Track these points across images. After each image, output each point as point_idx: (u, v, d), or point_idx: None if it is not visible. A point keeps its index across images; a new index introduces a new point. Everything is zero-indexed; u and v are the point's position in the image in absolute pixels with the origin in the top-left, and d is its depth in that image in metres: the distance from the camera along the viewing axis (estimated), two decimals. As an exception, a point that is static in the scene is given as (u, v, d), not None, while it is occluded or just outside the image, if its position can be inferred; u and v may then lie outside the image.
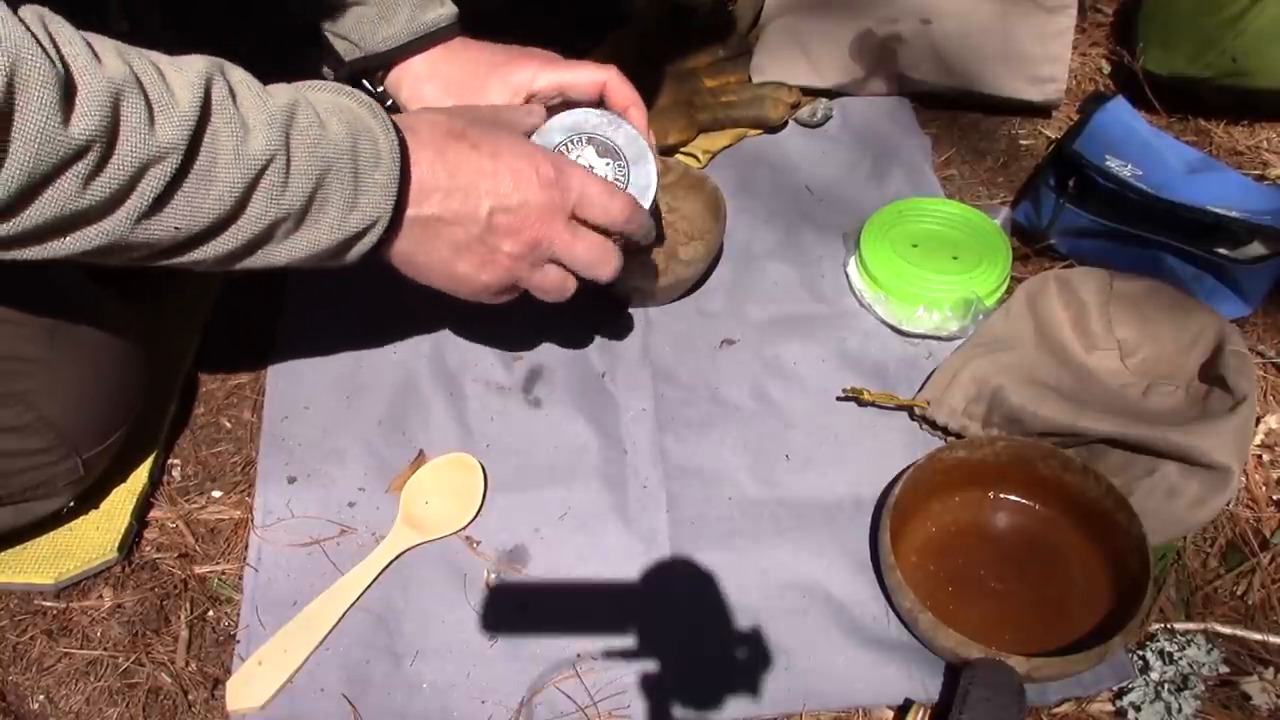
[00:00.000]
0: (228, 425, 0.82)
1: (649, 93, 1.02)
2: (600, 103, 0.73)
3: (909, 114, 1.08)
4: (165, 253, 0.52)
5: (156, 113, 0.47)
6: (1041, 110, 1.09)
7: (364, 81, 0.76)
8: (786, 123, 1.05)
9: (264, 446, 0.78)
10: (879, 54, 1.05)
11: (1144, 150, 0.94)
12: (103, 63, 0.45)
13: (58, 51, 0.44)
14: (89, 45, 0.45)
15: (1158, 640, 0.69)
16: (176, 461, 0.79)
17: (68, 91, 0.44)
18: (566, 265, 0.65)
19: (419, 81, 0.74)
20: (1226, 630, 0.70)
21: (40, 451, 0.64)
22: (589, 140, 0.69)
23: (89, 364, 0.65)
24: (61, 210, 0.46)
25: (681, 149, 1.01)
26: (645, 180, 0.70)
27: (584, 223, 0.65)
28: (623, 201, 0.65)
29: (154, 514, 0.76)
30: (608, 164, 0.69)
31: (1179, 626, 0.70)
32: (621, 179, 0.69)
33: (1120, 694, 0.67)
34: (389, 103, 0.76)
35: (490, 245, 0.62)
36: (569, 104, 0.72)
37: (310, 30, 0.75)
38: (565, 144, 0.69)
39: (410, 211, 0.59)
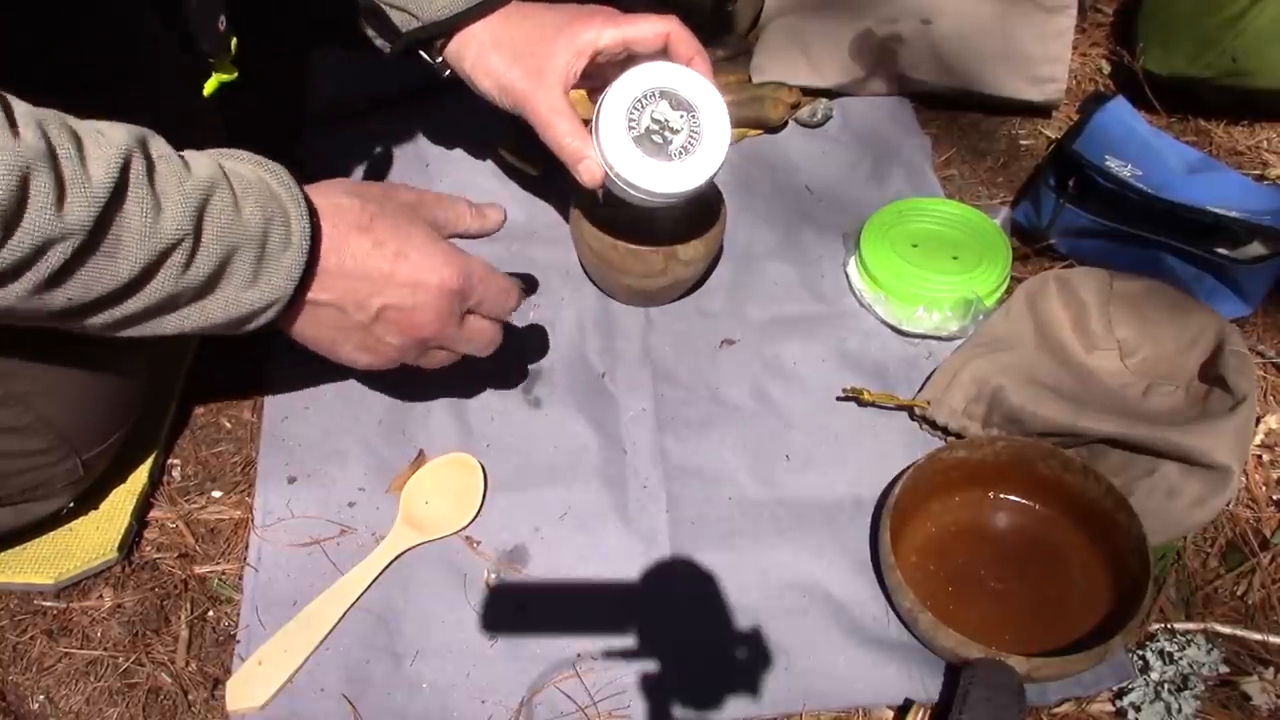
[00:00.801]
0: (228, 425, 0.82)
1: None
2: (664, 54, 0.72)
3: (909, 114, 1.08)
4: (52, 318, 0.51)
5: (67, 190, 0.46)
6: (1041, 110, 1.09)
7: (422, 53, 0.74)
8: (786, 123, 1.05)
9: (264, 446, 0.78)
10: (879, 54, 1.05)
11: (1144, 150, 0.94)
12: (18, 134, 0.45)
13: None
14: (6, 114, 0.45)
15: (1158, 640, 0.69)
16: (176, 461, 0.79)
17: None
18: (452, 352, 0.68)
19: (484, 50, 0.72)
20: (1226, 630, 0.70)
21: (39, 452, 0.64)
22: (661, 94, 0.70)
23: (88, 365, 0.65)
24: None
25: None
26: (720, 128, 0.71)
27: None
28: (515, 297, 0.68)
29: (154, 514, 0.76)
30: (682, 116, 0.70)
31: (1179, 626, 0.70)
32: (696, 130, 0.70)
33: (1120, 694, 0.67)
34: (447, 73, 0.75)
35: (376, 335, 0.63)
36: (633, 59, 0.71)
37: (363, 3, 0.73)
38: (639, 100, 0.69)
39: (307, 295, 0.59)
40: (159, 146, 0.52)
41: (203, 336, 0.84)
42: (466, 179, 0.97)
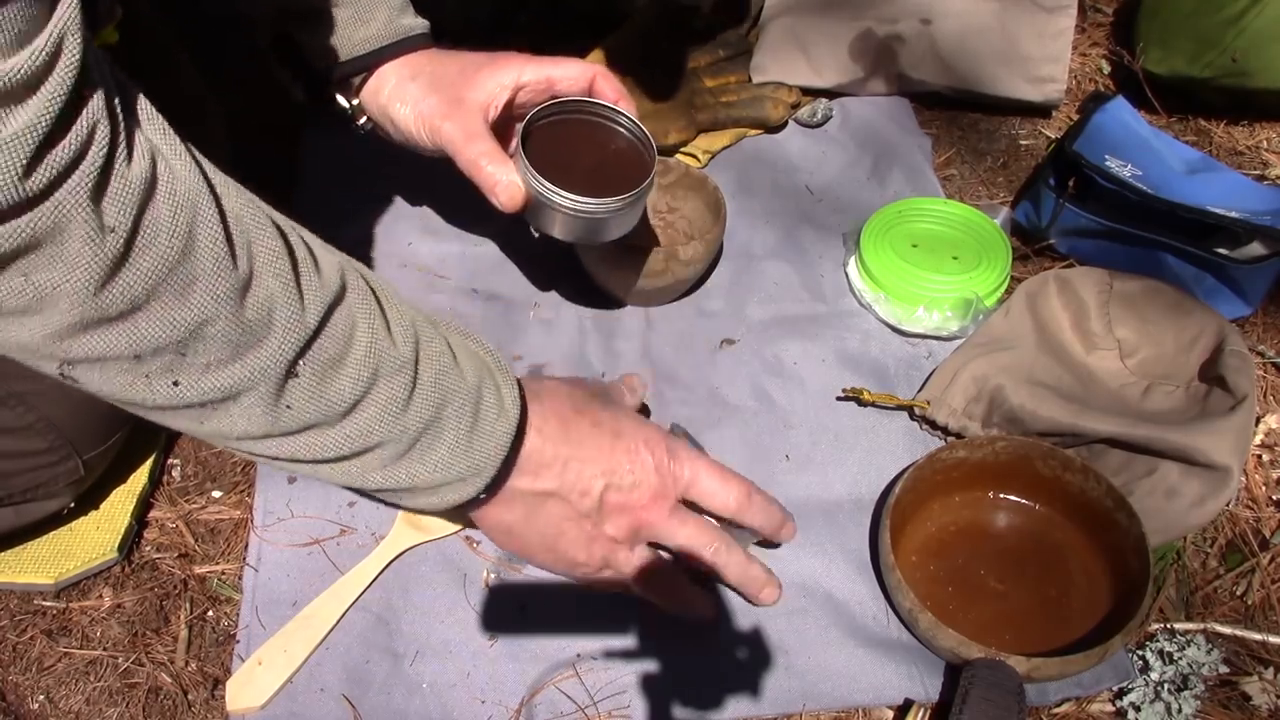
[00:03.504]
0: (228, 425, 0.81)
1: (649, 92, 1.02)
2: (589, 94, 0.72)
3: (909, 114, 1.08)
4: (271, 438, 0.49)
5: (304, 289, 0.47)
6: (1041, 110, 1.09)
7: (339, 97, 0.74)
8: (786, 123, 1.05)
9: (264, 446, 0.78)
10: (879, 54, 1.05)
11: (1144, 150, 0.94)
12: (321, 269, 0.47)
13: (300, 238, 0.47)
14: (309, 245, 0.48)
15: (1158, 640, 0.69)
16: (176, 461, 0.79)
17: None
18: (665, 546, 0.65)
19: (403, 81, 0.71)
20: (1226, 630, 0.70)
21: (41, 452, 0.64)
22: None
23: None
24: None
25: (681, 149, 1.01)
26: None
27: (692, 507, 0.64)
28: (738, 489, 0.64)
29: (154, 514, 0.76)
30: None
31: (1179, 626, 0.70)
32: None
33: (1120, 694, 0.67)
34: (363, 120, 0.75)
35: (596, 523, 0.61)
36: (556, 96, 0.71)
37: (279, 42, 0.73)
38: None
39: (523, 483, 0.57)
40: (363, 272, 0.51)
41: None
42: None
